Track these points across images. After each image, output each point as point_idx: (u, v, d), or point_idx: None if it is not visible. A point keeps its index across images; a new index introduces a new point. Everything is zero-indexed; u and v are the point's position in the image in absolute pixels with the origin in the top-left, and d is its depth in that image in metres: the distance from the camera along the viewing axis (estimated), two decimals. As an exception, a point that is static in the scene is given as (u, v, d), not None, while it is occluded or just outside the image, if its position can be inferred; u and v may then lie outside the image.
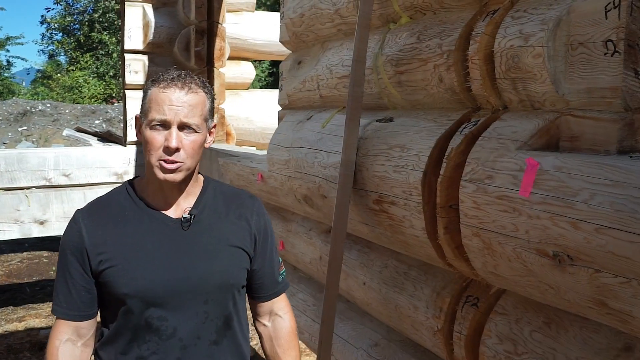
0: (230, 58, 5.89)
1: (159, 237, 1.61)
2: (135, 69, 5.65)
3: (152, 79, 1.61)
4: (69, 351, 1.61)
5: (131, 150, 5.69)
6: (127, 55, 5.66)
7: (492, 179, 1.51)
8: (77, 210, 1.66)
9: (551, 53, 1.46)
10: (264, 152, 3.53)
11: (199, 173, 1.73)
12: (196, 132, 1.58)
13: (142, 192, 1.66)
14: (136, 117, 1.66)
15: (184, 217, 1.63)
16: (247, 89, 6.37)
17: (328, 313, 2.15)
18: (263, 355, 1.92)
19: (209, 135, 1.68)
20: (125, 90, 5.73)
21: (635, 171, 1.20)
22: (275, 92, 4.58)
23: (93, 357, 1.70)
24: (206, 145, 1.67)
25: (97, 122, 16.89)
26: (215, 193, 1.73)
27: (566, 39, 1.44)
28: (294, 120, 2.82)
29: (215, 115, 5.64)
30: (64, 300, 1.61)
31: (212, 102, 1.67)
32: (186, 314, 1.60)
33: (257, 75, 26.50)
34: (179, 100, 1.54)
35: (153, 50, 5.73)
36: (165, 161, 1.54)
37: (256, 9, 6.22)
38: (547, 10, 1.50)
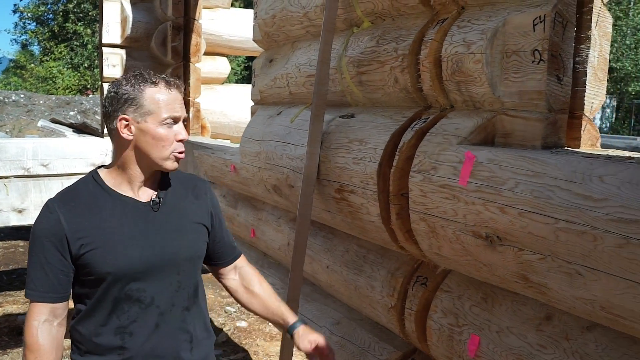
0: (206, 53, 6.01)
1: (133, 219, 1.76)
2: (113, 62, 5.75)
3: (131, 82, 1.72)
4: (47, 331, 1.71)
5: (108, 141, 5.79)
6: (105, 49, 5.76)
7: (437, 169, 1.70)
8: (50, 200, 1.76)
9: (489, 59, 1.65)
10: (237, 145, 3.68)
11: None
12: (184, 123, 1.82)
13: (111, 180, 1.78)
14: (123, 118, 1.72)
15: (153, 200, 1.79)
16: (222, 83, 6.50)
17: (293, 292, 2.33)
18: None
19: None
20: (103, 83, 5.82)
21: (551, 163, 1.39)
22: (249, 87, 4.74)
23: (69, 333, 1.84)
24: None
25: (71, 113, 16.81)
26: (171, 178, 1.89)
27: (502, 47, 1.63)
28: (265, 115, 2.99)
29: (191, 109, 5.77)
30: (40, 284, 1.71)
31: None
32: (162, 284, 1.77)
33: (233, 69, 26.50)
34: (178, 99, 1.76)
35: (130, 45, 5.83)
36: (181, 152, 1.76)
37: (232, 6, 6.34)
38: (486, 22, 1.69)
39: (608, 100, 27.90)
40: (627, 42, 27.65)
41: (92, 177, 1.80)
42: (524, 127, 1.59)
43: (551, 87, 1.53)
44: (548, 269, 1.41)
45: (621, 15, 28.25)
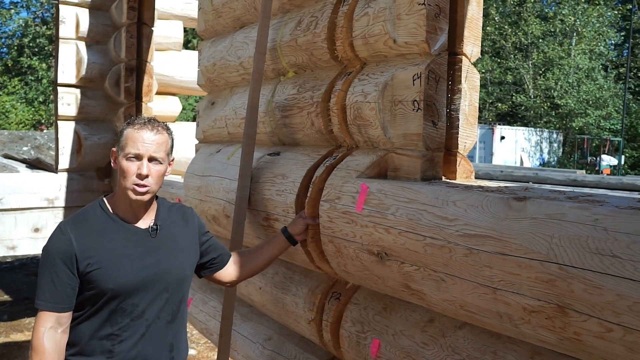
0: (158, 93, 6.30)
1: (133, 243, 1.99)
2: (68, 101, 5.98)
3: (127, 121, 2.03)
4: (52, 336, 1.91)
5: (62, 177, 5.99)
6: (60, 89, 5.99)
7: (340, 199, 2.03)
8: (62, 223, 2.00)
9: (381, 107, 2.00)
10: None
11: None
12: (161, 163, 2.00)
13: (115, 208, 2.03)
14: (112, 151, 2.05)
15: (152, 227, 2.04)
16: (174, 121, 6.78)
17: (227, 310, 2.61)
18: None
19: (169, 166, 2.08)
20: (58, 121, 6.04)
21: (421, 192, 1.74)
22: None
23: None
24: (167, 174, 2.07)
25: (25, 148, 16.70)
26: (167, 208, 2.14)
27: (390, 97, 1.98)
28: (206, 153, 3.29)
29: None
30: (50, 295, 1.92)
31: (173, 141, 2.10)
32: (152, 300, 2.01)
33: (189, 104, 26.76)
34: (150, 139, 1.97)
35: (85, 85, 6.07)
36: (137, 185, 1.95)
37: (183, 49, 6.67)
38: (380, 76, 2.05)
39: (555, 135, 29.01)
40: (570, 81, 28.96)
41: (99, 204, 2.04)
42: (408, 163, 1.93)
43: (427, 130, 1.89)
44: (422, 278, 1.74)
45: (564, 55, 29.64)
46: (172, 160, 2.11)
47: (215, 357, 5.81)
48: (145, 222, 2.05)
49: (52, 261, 1.94)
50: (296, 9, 2.61)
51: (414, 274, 1.76)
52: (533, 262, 1.39)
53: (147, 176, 1.96)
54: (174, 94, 6.69)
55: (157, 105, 6.23)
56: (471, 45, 2.00)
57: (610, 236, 1.26)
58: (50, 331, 1.92)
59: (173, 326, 2.09)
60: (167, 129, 2.08)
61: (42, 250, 1.98)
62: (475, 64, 2.05)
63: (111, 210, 2.03)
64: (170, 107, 6.61)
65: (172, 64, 6.50)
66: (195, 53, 6.77)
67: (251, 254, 2.34)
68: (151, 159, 1.98)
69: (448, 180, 1.92)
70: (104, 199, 2.07)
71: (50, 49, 31.54)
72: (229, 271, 2.30)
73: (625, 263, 1.22)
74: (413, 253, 1.74)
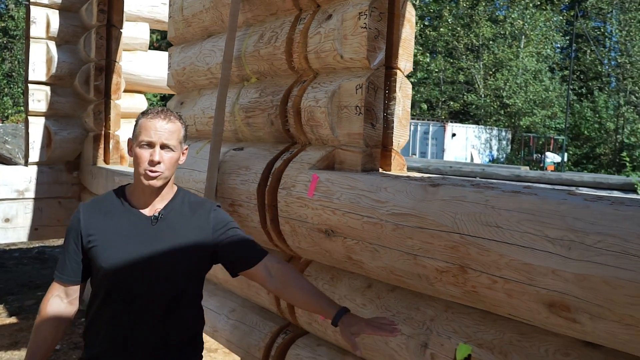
0: (126, 91, 6.56)
1: (133, 228, 2.04)
2: (38, 98, 6.19)
3: (142, 112, 2.09)
4: (55, 303, 2.04)
5: (32, 169, 6.20)
6: (30, 86, 6.19)
7: (295, 187, 2.41)
8: (80, 204, 2.12)
9: (329, 111, 2.38)
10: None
11: (174, 184, 2.20)
12: (173, 150, 2.04)
13: (129, 195, 2.11)
14: (128, 140, 2.11)
15: (154, 216, 2.06)
16: (141, 118, 7.05)
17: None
18: None
19: (182, 155, 2.14)
20: (29, 117, 6.24)
21: (360, 181, 2.13)
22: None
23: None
24: (180, 162, 2.12)
25: (-16, 143, 16.55)
26: (184, 200, 2.14)
27: (338, 103, 2.36)
28: (177, 148, 3.62)
29: (111, 141, 6.28)
30: (60, 267, 2.06)
31: (186, 130, 2.14)
32: (145, 288, 2.01)
33: (149, 100, 26.72)
34: (162, 128, 2.02)
35: (55, 82, 6.29)
36: (150, 171, 2.00)
37: (149, 49, 6.94)
38: (329, 85, 2.43)
39: (504, 133, 29.91)
40: (518, 82, 29.92)
41: (119, 189, 2.15)
42: (351, 157, 2.32)
43: (367, 131, 2.27)
44: (361, 249, 2.13)
45: (512, 57, 30.59)
46: (186, 148, 2.16)
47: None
48: (154, 210, 2.09)
49: (66, 237, 2.08)
50: (259, 24, 2.97)
51: (354, 246, 2.15)
52: (442, 233, 1.79)
53: (158, 162, 2.00)
54: (140, 92, 6.96)
55: (124, 103, 6.49)
56: (404, 61, 2.40)
57: (496, 212, 1.66)
58: (55, 299, 2.05)
59: (168, 321, 2.05)
60: (180, 119, 2.12)
61: None
62: (409, 76, 2.45)
63: (127, 198, 2.10)
64: (136, 104, 6.88)
65: (138, 63, 6.77)
66: (161, 53, 7.05)
67: (299, 283, 2.10)
68: (163, 147, 2.02)
69: (383, 172, 2.31)
70: (126, 185, 2.17)
71: (5, 41, 30.96)
72: (264, 277, 2.12)
73: (505, 231, 1.62)
74: (353, 230, 2.12)
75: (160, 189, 2.08)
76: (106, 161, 6.26)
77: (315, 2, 2.57)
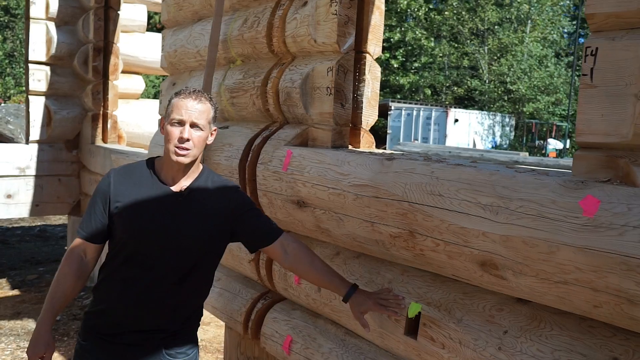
0: (123, 72, 6.78)
1: (159, 201, 2.14)
2: (38, 77, 6.42)
3: (176, 92, 2.20)
4: (77, 259, 2.15)
5: (33, 147, 6.45)
6: (31, 66, 6.42)
7: (271, 162, 2.63)
8: (112, 169, 2.22)
9: (303, 92, 2.60)
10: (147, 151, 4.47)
11: (201, 163, 2.28)
12: (202, 130, 2.13)
13: (158, 168, 2.20)
14: (161, 119, 2.23)
15: (180, 191, 2.17)
16: (138, 98, 7.28)
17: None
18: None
19: (211, 135, 2.22)
20: (29, 96, 6.48)
21: (328, 155, 2.35)
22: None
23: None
24: (208, 142, 2.20)
25: (-15, 123, 16.79)
26: (207, 179, 2.23)
27: (311, 84, 2.58)
28: (168, 126, 3.85)
29: (109, 121, 6.51)
30: (85, 225, 2.16)
31: (215, 112, 2.23)
32: (163, 257, 2.13)
33: (150, 81, 26.90)
34: (193, 107, 2.12)
35: (55, 62, 6.51)
36: (179, 148, 2.09)
37: (146, 31, 7.15)
38: (304, 67, 2.64)
39: (507, 120, 29.96)
40: (522, 67, 29.89)
41: (148, 161, 2.24)
42: (322, 135, 2.54)
43: (337, 110, 2.49)
44: (328, 219, 2.36)
45: (517, 42, 30.53)
46: (215, 130, 2.25)
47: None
48: (180, 186, 2.18)
49: (94, 198, 2.17)
50: (244, 9, 3.18)
51: (322, 216, 2.38)
52: (394, 201, 2.01)
53: (187, 140, 2.09)
54: (137, 73, 7.18)
55: (122, 83, 6.71)
56: (374, 46, 2.61)
57: (439, 182, 1.88)
58: (77, 255, 2.16)
59: (179, 289, 2.16)
60: (210, 100, 2.20)
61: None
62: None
63: (156, 171, 2.20)
64: (134, 85, 7.10)
65: (136, 45, 6.98)
66: (158, 35, 7.26)
67: (312, 261, 2.22)
68: (193, 125, 2.11)
69: (349, 148, 2.53)
70: (155, 158, 2.26)
71: (6, 20, 31.10)
72: (278, 254, 2.25)
73: (446, 199, 1.85)
74: (321, 200, 2.35)
75: (188, 166, 2.17)
76: (104, 140, 6.49)
77: (294, -10, 2.78)
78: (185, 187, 2.17)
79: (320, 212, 2.39)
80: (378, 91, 2.66)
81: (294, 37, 2.69)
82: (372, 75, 2.62)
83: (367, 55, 2.59)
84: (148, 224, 2.11)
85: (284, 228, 2.78)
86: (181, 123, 2.11)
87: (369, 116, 2.63)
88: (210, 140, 2.23)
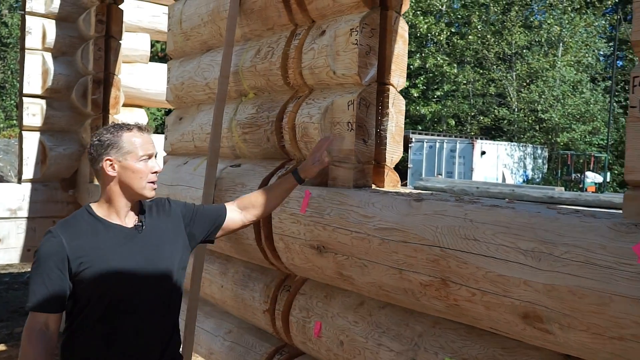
0: (125, 105, 6.89)
1: (123, 242, 2.21)
2: (33, 111, 6.53)
3: (115, 128, 2.26)
4: (41, 338, 2.10)
5: (26, 187, 6.52)
6: (25, 99, 6.53)
7: (288, 203, 2.65)
8: (52, 228, 2.19)
9: (322, 127, 2.63)
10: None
11: None
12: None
13: (101, 212, 2.25)
14: (109, 159, 2.21)
15: (137, 225, 2.27)
16: (140, 133, 7.38)
17: (190, 312, 3.20)
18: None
19: None
20: (22, 131, 6.58)
21: (350, 196, 2.36)
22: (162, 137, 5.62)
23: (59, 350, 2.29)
24: None
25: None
26: (144, 205, 2.35)
27: (330, 119, 2.61)
28: (174, 164, 3.89)
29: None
30: (41, 297, 2.10)
31: None
32: (145, 295, 2.22)
33: (152, 114, 27.24)
34: (151, 140, 2.28)
35: (51, 95, 6.63)
36: (153, 182, 2.25)
37: (154, 60, 7.28)
38: (322, 101, 2.68)
39: (539, 151, 29.93)
40: (555, 94, 29.97)
41: (86, 210, 2.27)
42: (343, 173, 2.56)
43: (359, 147, 2.51)
44: (351, 265, 2.36)
45: (548, 66, 30.69)
46: None
47: None
48: (131, 220, 2.28)
49: (44, 264, 2.12)
50: (256, 38, 3.24)
51: (344, 262, 2.38)
52: (424, 246, 2.02)
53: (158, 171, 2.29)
54: (140, 106, 7.29)
55: (123, 117, 6.80)
56: (397, 77, 2.64)
57: (473, 225, 1.89)
58: (38, 332, 2.11)
59: (167, 317, 2.31)
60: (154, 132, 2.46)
61: (34, 256, 2.16)
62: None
63: (98, 214, 2.26)
64: (136, 119, 7.20)
65: (138, 76, 7.11)
66: (162, 65, 7.39)
67: (261, 194, 2.56)
68: (155, 156, 2.30)
69: (373, 188, 2.55)
70: (90, 204, 2.31)
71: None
72: (236, 218, 2.54)
73: (482, 244, 1.85)
74: (343, 245, 2.36)
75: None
76: (103, 179, 6.54)
77: (310, 18, 2.83)
78: (137, 220, 2.30)
79: (342, 258, 2.39)
80: (403, 125, 2.68)
81: (312, 69, 2.73)
82: (396, 109, 2.65)
83: (391, 87, 2.62)
84: (122, 267, 2.18)
85: (302, 275, 2.79)
86: (150, 157, 2.26)
87: (393, 153, 2.65)
88: None
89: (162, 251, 2.29)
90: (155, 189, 2.27)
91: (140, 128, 2.28)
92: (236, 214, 2.55)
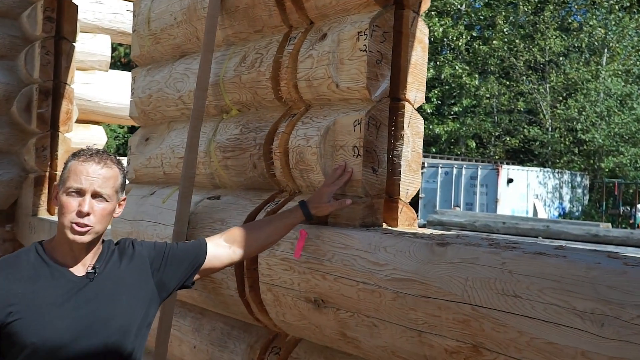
0: (79, 121, 6.86)
1: (67, 292, 2.16)
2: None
3: (73, 153, 2.26)
4: None
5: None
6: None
7: (279, 245, 2.59)
8: None
9: (322, 152, 2.58)
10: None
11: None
12: (107, 201, 2.20)
13: (52, 251, 2.23)
14: (54, 186, 2.27)
15: (88, 272, 2.23)
16: (97, 155, 7.33)
17: (158, 370, 3.12)
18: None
19: (119, 207, 2.30)
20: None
21: (357, 238, 2.31)
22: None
23: None
24: (115, 215, 2.29)
25: None
26: (110, 248, 2.34)
27: (332, 142, 2.56)
28: (138, 195, 3.84)
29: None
30: None
31: (124, 178, 2.31)
32: (87, 355, 2.16)
33: (113, 131, 27.23)
34: (95, 173, 2.18)
35: (-15, 109, 6.61)
36: (77, 224, 2.14)
37: (110, 68, 7.27)
38: (322, 120, 2.64)
39: (579, 179, 29.98)
40: (598, 110, 30.06)
41: (35, 248, 2.26)
42: (348, 209, 2.50)
43: (367, 177, 2.47)
44: (356, 324, 2.30)
45: (589, 77, 30.80)
46: (124, 200, 2.35)
47: None
48: (84, 266, 2.25)
49: None
50: (241, 43, 3.21)
51: (349, 320, 2.32)
52: (450, 303, 1.96)
53: (88, 214, 2.16)
54: (97, 123, 7.26)
55: (77, 136, 6.78)
56: (415, 91, 2.61)
57: (513, 278, 1.83)
58: None
59: None
60: (118, 164, 2.30)
61: None
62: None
63: (48, 255, 2.24)
64: (93, 137, 7.16)
65: (96, 86, 7.11)
66: (124, 74, 7.37)
67: (256, 226, 2.55)
68: (95, 195, 2.18)
69: (385, 227, 2.49)
70: (42, 242, 2.31)
71: None
72: (222, 254, 2.48)
73: (525, 302, 1.79)
74: (347, 299, 2.30)
75: (91, 244, 2.24)
76: (50, 211, 6.49)
77: (308, 18, 2.81)
78: (91, 266, 2.25)
79: (346, 315, 2.33)
80: (421, 151, 2.64)
81: (309, 80, 2.70)
82: (413, 130, 2.61)
83: (407, 103, 2.59)
84: (58, 322, 2.13)
85: (295, 334, 2.73)
86: (80, 192, 2.18)
87: (410, 184, 2.60)
88: (118, 213, 2.33)
89: (117, 305, 2.24)
90: (81, 233, 2.16)
91: (91, 156, 2.24)
92: (222, 250, 2.49)
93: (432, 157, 27.80)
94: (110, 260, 2.32)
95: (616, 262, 1.71)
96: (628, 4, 31.51)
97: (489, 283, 1.88)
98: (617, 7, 31.19)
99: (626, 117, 29.87)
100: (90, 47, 7.14)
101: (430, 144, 32.90)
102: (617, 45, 31.62)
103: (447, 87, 32.90)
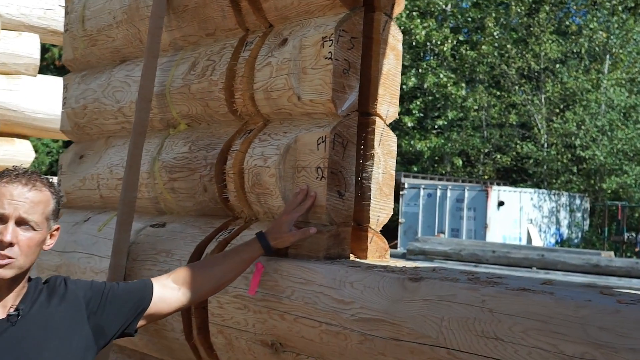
0: (1, 134, 6.80)
1: None
2: None
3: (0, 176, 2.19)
4: None
5: None
6: None
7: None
8: None
9: (282, 174, 2.61)
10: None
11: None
12: (34, 229, 2.14)
13: None
14: None
15: (10, 314, 2.16)
16: (24, 174, 7.28)
17: None
18: None
19: (50, 237, 2.26)
20: None
21: (320, 272, 2.33)
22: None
23: None
24: (46, 248, 2.24)
25: None
26: (37, 287, 2.27)
27: (293, 163, 2.59)
28: (70, 222, 3.82)
29: None
30: None
31: (58, 203, 2.27)
32: None
33: (46, 145, 26.97)
34: (21, 196, 2.12)
35: None
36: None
37: (39, 73, 7.23)
38: (282, 137, 2.66)
39: (578, 201, 30.22)
40: (599, 124, 30.32)
41: None
42: (311, 239, 2.52)
43: (332, 202, 2.49)
44: (320, 371, 2.31)
45: (589, 86, 31.07)
46: (57, 229, 2.31)
47: None
48: (6, 308, 2.19)
49: None
50: (190, 47, 3.23)
51: (311, 366, 2.34)
52: (424, 347, 1.98)
53: (10, 244, 2.10)
54: (24, 137, 7.21)
55: (-2, 152, 6.72)
56: (387, 105, 2.64)
57: (495, 317, 1.86)
58: None
59: None
60: (51, 186, 2.26)
61: None
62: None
63: None
64: (18, 153, 7.11)
65: (22, 93, 7.06)
66: (56, 79, 7.33)
67: (207, 265, 2.54)
68: (21, 223, 2.13)
69: (353, 259, 2.52)
70: None
71: None
72: (170, 297, 2.43)
73: (507, 345, 1.82)
74: (309, 342, 2.32)
75: (14, 282, 2.18)
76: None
77: (267, 21, 2.84)
78: (13, 307, 2.18)
79: (307, 361, 2.35)
80: (393, 172, 2.68)
81: (267, 92, 2.73)
82: (385, 149, 2.64)
83: (377, 118, 2.63)
84: None
85: (250, 383, 2.73)
86: (2, 219, 2.12)
87: (381, 210, 2.63)
88: (50, 244, 2.28)
89: (45, 354, 2.18)
90: (0, 267, 2.10)
91: (17, 176, 2.18)
92: (169, 292, 2.44)
93: (414, 177, 27.91)
94: (37, 300, 2.25)
95: (609, 300, 1.75)
96: (633, 5, 31.78)
97: (467, 324, 1.91)
98: (620, 8, 31.43)
99: (630, 132, 30.10)
100: (15, 47, 7.08)
101: (412, 162, 33.06)
102: (621, 51, 31.89)
103: (430, 97, 33.05)
